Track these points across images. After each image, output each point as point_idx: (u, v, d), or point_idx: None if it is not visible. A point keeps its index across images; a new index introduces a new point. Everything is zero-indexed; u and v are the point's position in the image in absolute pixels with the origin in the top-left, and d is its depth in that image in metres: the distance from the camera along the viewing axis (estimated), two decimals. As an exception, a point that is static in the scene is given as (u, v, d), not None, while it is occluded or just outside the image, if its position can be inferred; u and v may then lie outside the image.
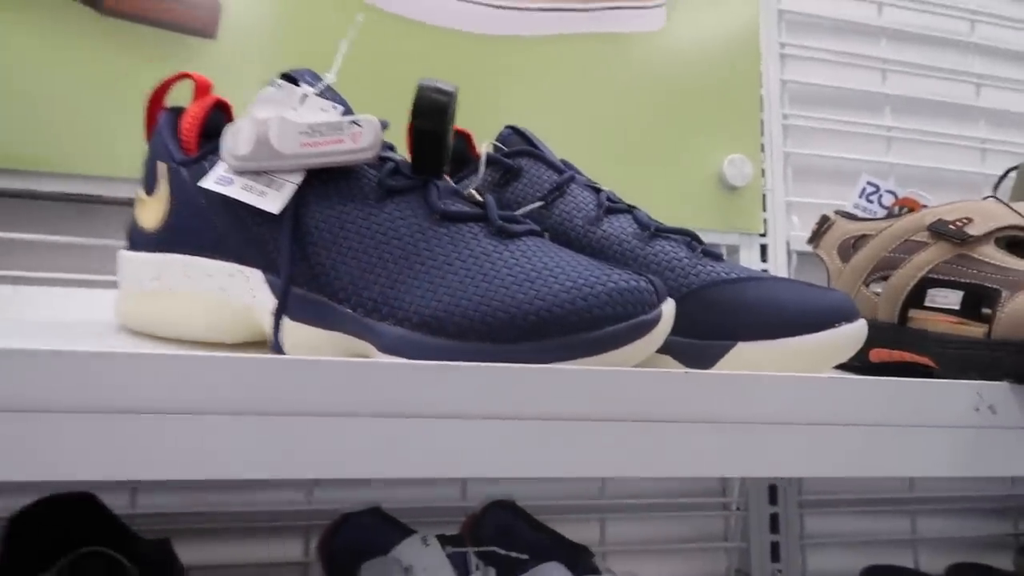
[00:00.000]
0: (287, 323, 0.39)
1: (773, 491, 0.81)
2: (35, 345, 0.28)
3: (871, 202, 0.63)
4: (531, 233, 0.40)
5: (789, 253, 0.83)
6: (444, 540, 0.49)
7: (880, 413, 0.40)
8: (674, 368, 0.43)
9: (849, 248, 0.55)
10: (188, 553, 0.63)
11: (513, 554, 0.49)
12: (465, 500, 0.69)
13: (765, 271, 0.80)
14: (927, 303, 0.54)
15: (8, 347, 0.27)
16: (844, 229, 0.56)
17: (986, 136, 0.93)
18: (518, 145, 0.53)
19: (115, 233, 0.67)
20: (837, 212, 0.59)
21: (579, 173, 0.53)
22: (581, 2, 0.78)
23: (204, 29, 0.67)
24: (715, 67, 0.82)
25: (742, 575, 0.79)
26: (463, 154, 0.52)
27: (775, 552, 0.80)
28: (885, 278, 0.52)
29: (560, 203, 0.49)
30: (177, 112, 0.46)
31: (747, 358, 0.42)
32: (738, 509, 0.80)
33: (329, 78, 0.44)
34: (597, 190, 0.51)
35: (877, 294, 0.52)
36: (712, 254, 0.47)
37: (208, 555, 0.64)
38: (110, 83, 0.65)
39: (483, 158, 0.50)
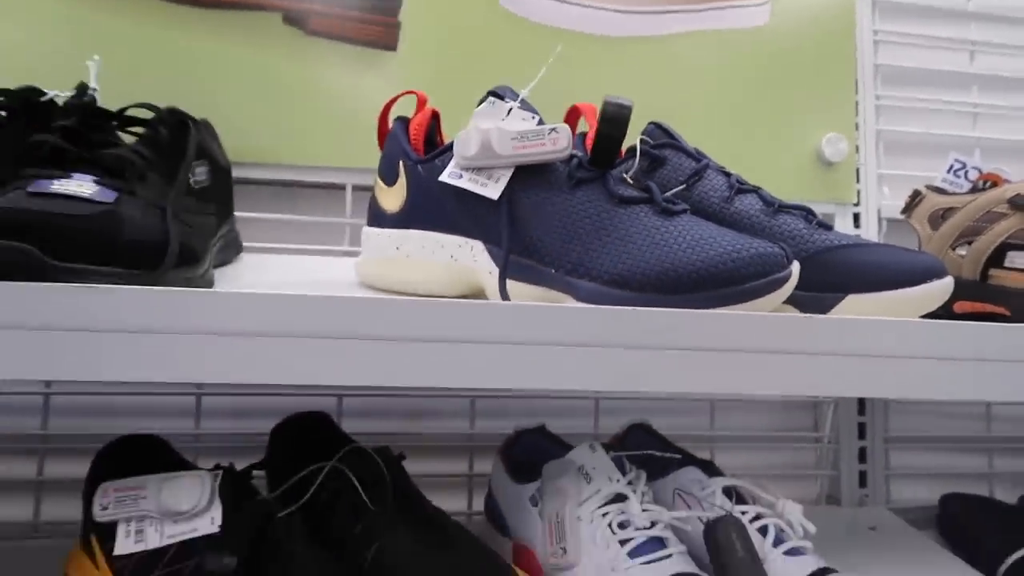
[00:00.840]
0: (508, 281, 0.54)
1: (862, 428, 0.92)
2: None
3: (958, 177, 0.73)
4: (686, 211, 0.53)
5: (880, 220, 0.93)
6: (605, 446, 0.63)
7: (961, 350, 0.51)
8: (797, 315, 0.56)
9: (938, 218, 0.66)
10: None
11: (659, 454, 0.63)
12: (597, 429, 0.83)
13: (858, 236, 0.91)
14: (1006, 264, 0.64)
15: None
16: (934, 202, 0.67)
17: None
18: (661, 138, 0.65)
19: (323, 213, 0.82)
20: (928, 187, 0.70)
21: (712, 160, 0.65)
22: (693, 3, 0.89)
23: (387, 43, 0.81)
24: (814, 55, 0.92)
25: (833, 500, 0.92)
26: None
27: (863, 481, 0.92)
28: (970, 243, 0.63)
29: (699, 186, 0.62)
30: (405, 121, 0.61)
31: (855, 308, 0.54)
32: (829, 442, 0.92)
33: (524, 93, 0.57)
34: (727, 174, 0.63)
35: (962, 256, 0.63)
36: (825, 225, 0.59)
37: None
38: (315, 90, 0.79)
39: (638, 150, 0.63)
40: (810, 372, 0.48)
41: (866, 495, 0.91)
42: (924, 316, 0.65)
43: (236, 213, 0.72)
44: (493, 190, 0.53)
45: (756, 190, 0.62)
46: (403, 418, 0.82)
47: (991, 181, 0.70)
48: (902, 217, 0.72)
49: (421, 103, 0.61)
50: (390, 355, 0.42)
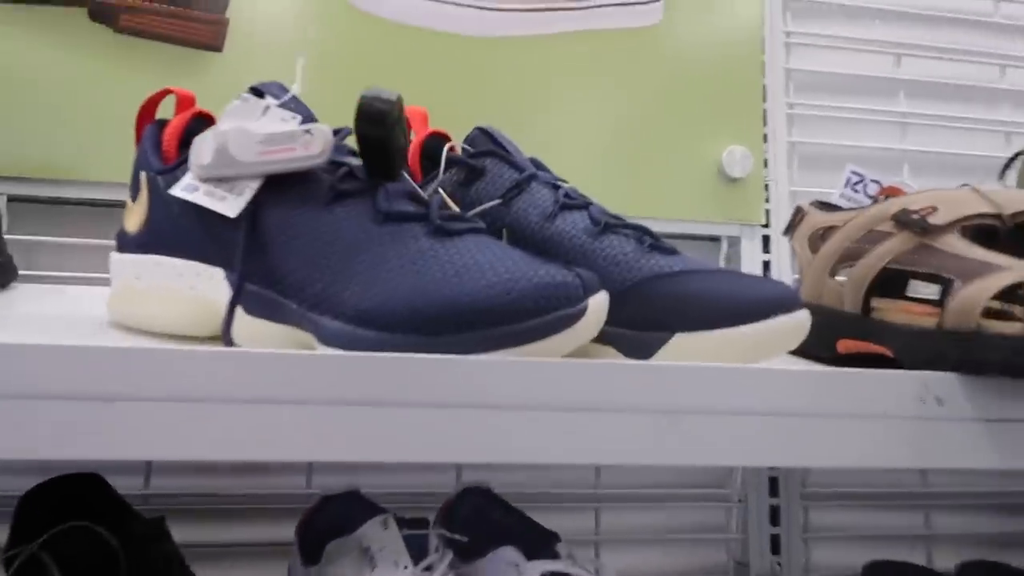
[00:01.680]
0: (241, 316, 0.43)
1: (774, 483, 0.80)
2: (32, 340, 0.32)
3: (857, 192, 0.62)
4: (473, 231, 0.42)
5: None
6: (409, 523, 0.52)
7: (813, 402, 0.40)
8: (617, 358, 0.45)
9: (818, 239, 0.55)
10: (192, 532, 0.68)
11: (457, 537, 0.51)
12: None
13: (767, 263, 0.81)
14: (909, 293, 0.53)
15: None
16: (815, 220, 0.56)
17: (1011, 119, 0.89)
18: (484, 145, 0.55)
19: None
20: (813, 203, 0.59)
21: (545, 171, 0.55)
22: (572, 1, 0.79)
23: (212, 43, 0.71)
24: (716, 59, 0.82)
25: (742, 567, 0.79)
26: (439, 155, 0.54)
27: (775, 545, 0.79)
28: (851, 267, 0.52)
29: (518, 201, 0.51)
30: (161, 125, 0.51)
31: (684, 349, 0.43)
32: (739, 501, 0.80)
33: (295, 89, 0.47)
34: (556, 187, 0.52)
35: (842, 284, 0.52)
36: (662, 248, 0.48)
37: (210, 534, 0.69)
38: (125, 96, 0.70)
39: (443, 160, 0.52)
40: (607, 433, 0.38)
41: (779, 562, 0.79)
42: (808, 358, 0.55)
43: (15, 236, 0.62)
44: (232, 205, 0.43)
45: (587, 206, 0.51)
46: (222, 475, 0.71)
47: (892, 196, 0.59)
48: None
49: (183, 103, 0.51)
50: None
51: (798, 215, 0.58)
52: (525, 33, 0.78)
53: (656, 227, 0.52)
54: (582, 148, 0.78)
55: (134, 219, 0.49)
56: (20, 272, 0.65)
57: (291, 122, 0.45)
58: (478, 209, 0.51)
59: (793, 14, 0.87)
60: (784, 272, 0.80)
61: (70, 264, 0.70)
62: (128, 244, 0.49)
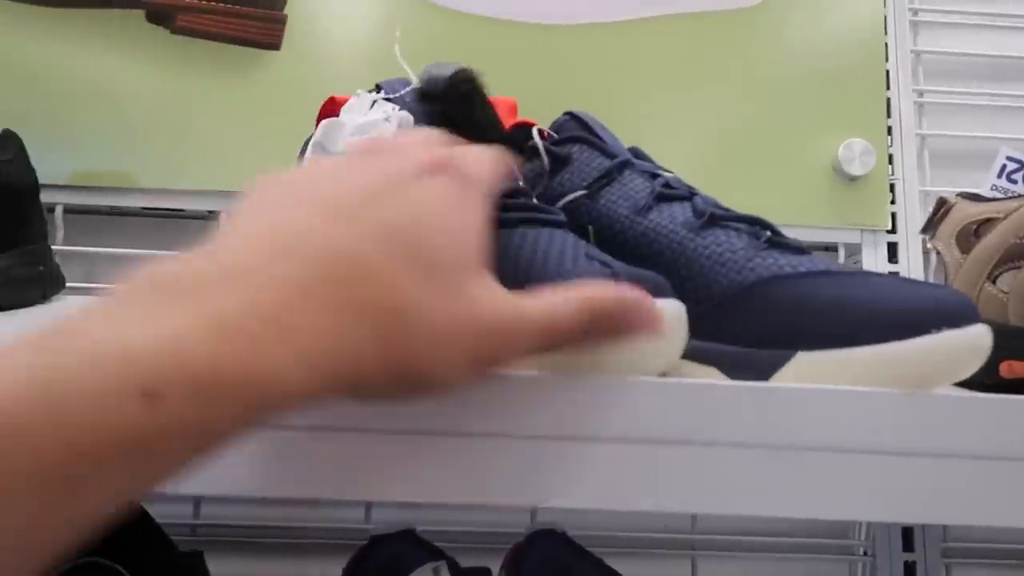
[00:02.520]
0: None
1: (908, 535, 0.68)
2: None
3: (1014, 181, 0.51)
4: (535, 222, 0.35)
5: (925, 252, 0.70)
6: (467, 572, 0.44)
7: (981, 441, 0.31)
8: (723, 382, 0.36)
9: (970, 235, 0.44)
10: (239, 566, 0.62)
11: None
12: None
13: (895, 274, 0.69)
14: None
15: None
16: (965, 213, 0.45)
17: None
18: (573, 131, 0.47)
19: (193, 245, 0.68)
20: (960, 194, 0.48)
21: (644, 159, 0.47)
22: (663, -20, 0.71)
23: (269, 41, 0.67)
24: (829, 41, 0.72)
25: (870, 633, 0.67)
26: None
27: (911, 607, 0.67)
28: (1017, 270, 0.41)
29: (607, 192, 0.43)
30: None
31: (809, 372, 0.34)
32: (865, 554, 0.68)
33: (415, 83, 0.43)
34: (655, 176, 0.44)
35: (1006, 292, 0.41)
36: (783, 244, 0.39)
37: (258, 569, 0.63)
38: (183, 98, 0.66)
39: (539, 145, 0.45)
40: (707, 474, 0.30)
41: (917, 629, 0.66)
42: (962, 385, 0.45)
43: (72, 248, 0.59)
44: None
45: (691, 196, 0.42)
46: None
47: (1062, 186, 0.48)
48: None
49: (330, 105, 0.47)
50: None
51: (942, 208, 0.47)
52: (602, 20, 0.71)
53: (762, 233, 0.43)
54: (677, 145, 0.69)
55: None
56: (79, 284, 0.62)
57: (392, 114, 0.41)
58: (565, 199, 0.43)
59: (920, -12, 0.76)
60: (915, 285, 0.68)
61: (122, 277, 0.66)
62: None
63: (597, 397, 0.29)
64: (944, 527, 0.68)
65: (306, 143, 0.49)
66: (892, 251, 0.71)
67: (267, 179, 0.24)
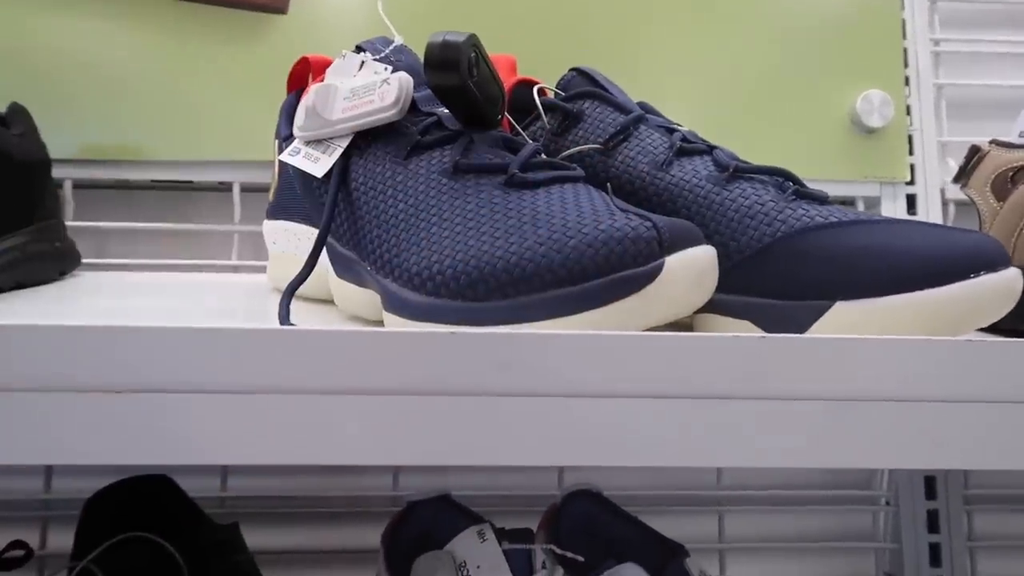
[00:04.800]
0: (334, 279, 0.40)
1: (930, 483, 0.68)
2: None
3: (1043, 129, 0.50)
4: (561, 180, 0.34)
5: (944, 203, 0.70)
6: (510, 534, 0.44)
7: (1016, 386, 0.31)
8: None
9: (1006, 183, 0.44)
10: (269, 537, 0.63)
11: (571, 555, 0.43)
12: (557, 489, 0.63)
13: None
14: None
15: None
16: (1000, 160, 0.45)
17: None
18: (580, 86, 0.46)
19: (205, 217, 0.67)
20: (992, 142, 0.47)
21: (656, 114, 0.46)
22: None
23: (276, 5, 0.65)
24: (843, -10, 0.70)
25: (893, 581, 0.68)
26: (530, 105, 0.47)
27: (935, 556, 0.67)
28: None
29: (624, 148, 0.43)
30: (300, 93, 0.47)
31: (848, 321, 0.34)
32: (888, 503, 0.69)
33: (398, 40, 0.42)
34: (671, 131, 0.43)
35: (1043, 237, 0.41)
36: (810, 195, 0.39)
37: (289, 540, 0.63)
38: (189, 67, 0.65)
39: (537, 103, 0.45)
40: (745, 428, 0.29)
41: (940, 574, 0.67)
42: (1001, 334, 0.44)
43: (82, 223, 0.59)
44: (322, 166, 0.40)
45: (711, 150, 0.42)
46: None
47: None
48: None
49: (317, 67, 0.46)
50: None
51: (975, 155, 0.47)
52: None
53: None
54: (690, 97, 0.68)
55: (273, 186, 0.49)
56: (90, 260, 0.61)
57: (383, 73, 0.39)
58: (570, 151, 0.43)
59: (935, -68, 0.74)
60: (935, 236, 0.68)
61: (141, 250, 0.66)
62: (269, 211, 0.49)
63: (622, 354, 0.28)
64: (966, 474, 0.68)
65: (286, 107, 0.48)
66: (911, 203, 0.70)
67: None
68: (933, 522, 0.68)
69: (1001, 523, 0.70)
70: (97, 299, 0.47)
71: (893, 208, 0.69)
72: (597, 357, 0.28)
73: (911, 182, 0.70)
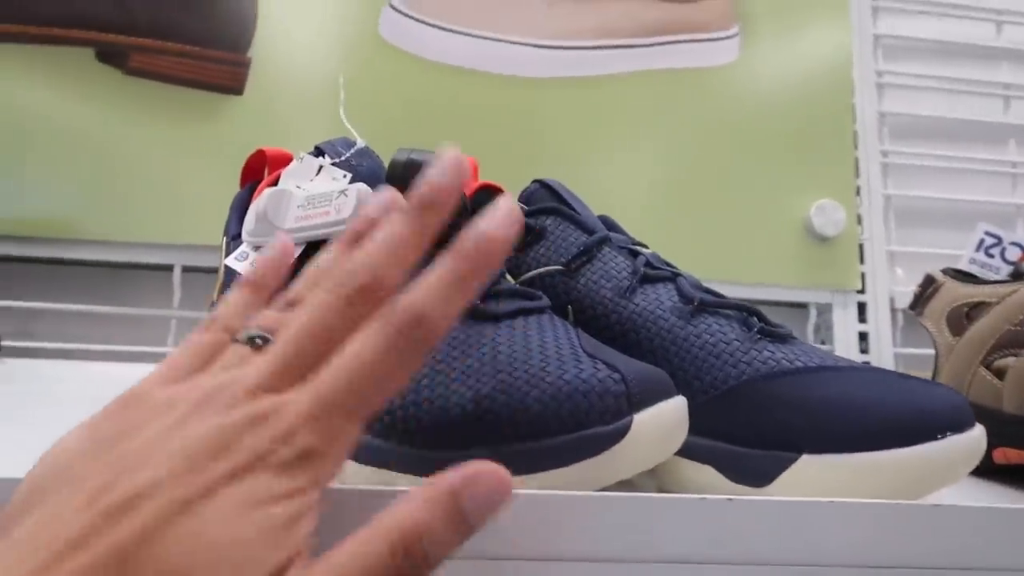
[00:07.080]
0: None
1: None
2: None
3: (991, 256, 0.51)
4: (523, 312, 0.33)
5: (893, 312, 0.71)
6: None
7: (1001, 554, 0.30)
8: (720, 484, 0.34)
9: (962, 318, 0.44)
10: None
11: None
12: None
13: (863, 334, 0.69)
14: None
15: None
16: (955, 294, 0.45)
17: None
18: (544, 201, 0.45)
19: (145, 301, 0.63)
20: (946, 271, 0.48)
21: (620, 233, 0.45)
22: (640, 36, 0.70)
23: (231, 85, 0.63)
24: (800, 102, 0.72)
25: None
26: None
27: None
28: (1014, 356, 0.40)
29: (587, 270, 0.42)
30: (255, 187, 0.44)
31: (814, 477, 0.32)
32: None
33: (360, 143, 0.40)
34: (635, 253, 0.42)
35: (1000, 379, 0.41)
36: (775, 335, 0.38)
37: None
38: (136, 145, 0.62)
39: None
40: None
41: None
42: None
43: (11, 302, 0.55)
44: None
45: (675, 277, 0.41)
46: None
47: (1039, 263, 0.48)
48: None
49: (274, 162, 0.43)
50: None
51: (930, 286, 0.47)
52: (582, 74, 0.69)
53: (734, 293, 0.42)
54: (648, 203, 0.68)
55: (217, 283, 0.45)
56: (14, 344, 0.57)
57: (341, 181, 0.37)
58: (531, 273, 0.41)
59: (885, 52, 0.77)
60: (884, 347, 0.69)
61: (72, 332, 0.61)
62: (212, 309, 0.43)
63: (582, 513, 0.27)
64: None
65: (238, 202, 0.45)
66: (861, 311, 0.71)
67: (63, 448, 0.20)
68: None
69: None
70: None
71: (845, 315, 0.70)
72: (554, 516, 0.27)
73: (862, 290, 0.71)
